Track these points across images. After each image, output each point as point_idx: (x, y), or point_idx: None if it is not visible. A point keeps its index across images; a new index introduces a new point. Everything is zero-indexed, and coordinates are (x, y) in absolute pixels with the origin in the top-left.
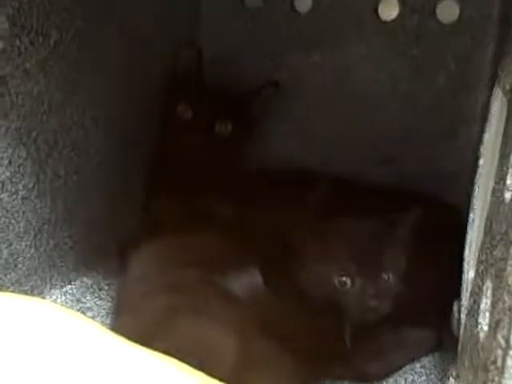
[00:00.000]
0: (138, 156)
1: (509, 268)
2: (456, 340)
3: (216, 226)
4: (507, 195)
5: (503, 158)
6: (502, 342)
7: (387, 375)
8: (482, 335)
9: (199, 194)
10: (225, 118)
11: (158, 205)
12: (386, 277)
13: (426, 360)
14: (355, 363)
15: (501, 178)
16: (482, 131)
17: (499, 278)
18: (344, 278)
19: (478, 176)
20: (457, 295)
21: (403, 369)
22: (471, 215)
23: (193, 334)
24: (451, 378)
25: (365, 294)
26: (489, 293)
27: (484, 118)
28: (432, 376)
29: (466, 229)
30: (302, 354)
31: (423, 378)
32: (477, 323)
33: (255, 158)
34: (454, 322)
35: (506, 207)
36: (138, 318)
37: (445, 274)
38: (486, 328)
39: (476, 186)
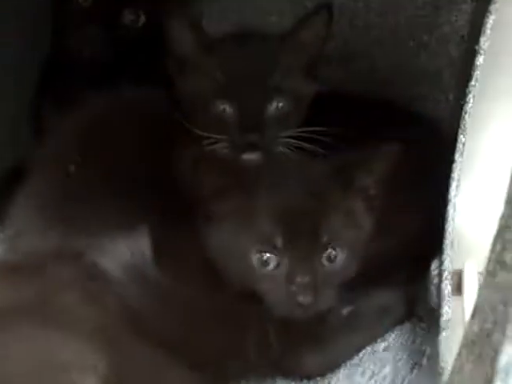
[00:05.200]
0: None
1: None
2: (433, 312)
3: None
4: None
5: None
6: None
7: (332, 368)
8: None
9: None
10: (135, 6)
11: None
12: (331, 254)
13: (390, 338)
14: (285, 360)
15: None
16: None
17: None
18: (266, 255)
19: (473, 81)
20: (436, 251)
21: (361, 354)
22: (461, 137)
23: (36, 350)
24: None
25: (293, 283)
26: None
27: None
28: (400, 363)
29: (450, 158)
30: (203, 360)
31: (387, 368)
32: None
33: None
34: (432, 288)
35: None
36: None
37: (420, 221)
38: None
39: (470, 95)
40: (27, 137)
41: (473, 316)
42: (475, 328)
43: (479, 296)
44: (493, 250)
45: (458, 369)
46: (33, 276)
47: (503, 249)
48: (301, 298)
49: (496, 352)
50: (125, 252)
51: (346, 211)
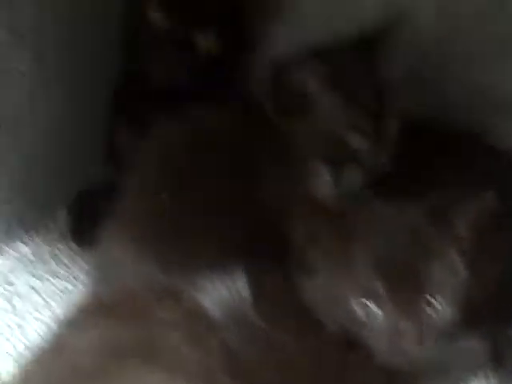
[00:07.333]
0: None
1: None
2: None
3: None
4: None
5: None
6: None
7: None
8: None
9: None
10: (211, 28)
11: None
12: (432, 301)
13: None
14: None
15: None
16: None
17: None
18: (367, 302)
19: None
20: None
21: None
22: None
23: None
24: None
25: (397, 329)
26: None
27: None
28: None
29: None
30: None
31: None
32: None
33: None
34: None
35: None
36: (59, 357)
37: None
38: None
39: None
40: (99, 161)
41: None
42: None
43: None
44: None
45: None
46: (133, 315)
47: None
48: (405, 345)
49: None
50: (224, 292)
51: (442, 256)
